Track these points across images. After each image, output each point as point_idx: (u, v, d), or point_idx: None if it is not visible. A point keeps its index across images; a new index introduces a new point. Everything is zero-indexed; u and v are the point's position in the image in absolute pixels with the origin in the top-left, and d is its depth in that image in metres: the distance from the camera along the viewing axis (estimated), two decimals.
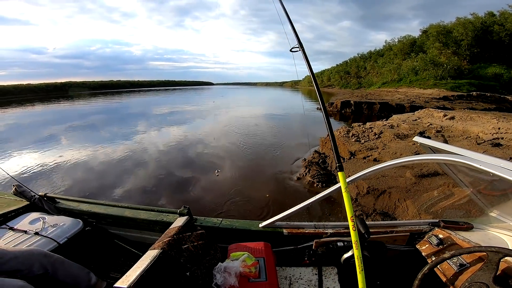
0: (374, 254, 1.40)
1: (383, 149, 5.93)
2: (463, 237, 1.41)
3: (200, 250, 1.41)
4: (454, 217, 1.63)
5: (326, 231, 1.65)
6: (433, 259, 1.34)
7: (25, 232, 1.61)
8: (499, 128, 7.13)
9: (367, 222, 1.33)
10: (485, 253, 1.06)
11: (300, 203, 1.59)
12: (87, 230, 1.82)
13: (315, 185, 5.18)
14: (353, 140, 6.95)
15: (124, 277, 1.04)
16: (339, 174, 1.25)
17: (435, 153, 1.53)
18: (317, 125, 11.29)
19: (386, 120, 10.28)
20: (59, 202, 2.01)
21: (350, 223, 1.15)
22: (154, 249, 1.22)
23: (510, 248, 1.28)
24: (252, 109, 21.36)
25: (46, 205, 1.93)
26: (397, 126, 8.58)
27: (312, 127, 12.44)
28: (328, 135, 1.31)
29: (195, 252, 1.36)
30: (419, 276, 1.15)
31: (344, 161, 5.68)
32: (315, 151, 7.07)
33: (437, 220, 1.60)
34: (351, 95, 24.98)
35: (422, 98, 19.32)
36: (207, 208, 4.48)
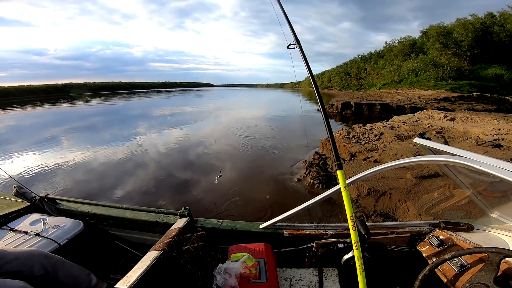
0: (374, 255, 1.39)
1: (384, 150, 5.93)
2: (463, 238, 1.40)
3: (200, 251, 1.41)
4: (455, 218, 1.63)
5: (327, 232, 1.65)
6: (434, 260, 1.34)
7: (26, 233, 1.61)
8: (499, 129, 7.13)
9: (367, 223, 1.33)
10: (485, 254, 1.06)
11: (300, 205, 1.59)
12: (88, 231, 1.83)
13: (315, 186, 5.18)
14: (353, 141, 6.95)
15: (124, 278, 1.04)
16: (338, 172, 1.23)
17: (435, 154, 1.53)
18: (318, 126, 11.29)
19: (387, 121, 10.28)
20: (59, 203, 2.01)
21: (350, 223, 1.14)
22: (155, 250, 1.22)
23: (510, 249, 1.28)
24: (253, 111, 21.38)
25: (46, 206, 1.94)
26: (398, 127, 8.59)
27: (312, 128, 12.45)
28: (327, 135, 1.30)
29: (196, 253, 1.37)
30: (420, 277, 1.15)
31: (344, 163, 5.68)
32: (316, 153, 7.07)
33: (437, 221, 1.60)
34: (351, 97, 24.98)
35: (422, 99, 19.31)
36: (207, 209, 4.48)
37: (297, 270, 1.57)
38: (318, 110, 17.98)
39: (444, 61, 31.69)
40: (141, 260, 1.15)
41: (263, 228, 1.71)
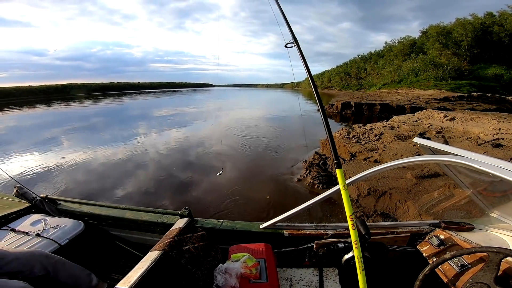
0: (375, 255, 1.40)
1: (384, 150, 5.93)
2: (464, 238, 1.41)
3: (201, 251, 1.41)
4: (455, 218, 1.63)
5: (327, 232, 1.65)
6: (434, 259, 1.34)
7: (27, 233, 1.62)
8: (499, 129, 7.13)
9: (367, 223, 1.33)
10: (486, 254, 1.06)
11: (300, 205, 1.59)
12: (88, 232, 1.83)
13: (315, 186, 5.18)
14: (353, 141, 6.95)
15: (125, 278, 1.04)
16: (337, 171, 1.22)
17: (435, 154, 1.54)
18: (318, 127, 11.30)
19: (387, 121, 10.29)
20: (60, 203, 2.01)
21: (350, 222, 1.14)
22: (155, 250, 1.22)
23: (511, 248, 1.28)
24: (252, 111, 21.39)
25: (47, 206, 1.94)
26: (398, 127, 8.59)
27: (312, 128, 12.45)
28: (326, 133, 1.30)
29: (196, 253, 1.37)
30: (420, 276, 1.15)
31: (344, 163, 5.68)
32: (316, 153, 7.07)
33: (438, 221, 1.60)
34: (351, 97, 25.00)
35: (422, 99, 19.32)
36: (207, 209, 4.48)
37: (297, 270, 1.57)
38: (318, 110, 17.96)
39: (444, 61, 31.70)
40: (141, 260, 1.15)
41: (264, 228, 1.71)
